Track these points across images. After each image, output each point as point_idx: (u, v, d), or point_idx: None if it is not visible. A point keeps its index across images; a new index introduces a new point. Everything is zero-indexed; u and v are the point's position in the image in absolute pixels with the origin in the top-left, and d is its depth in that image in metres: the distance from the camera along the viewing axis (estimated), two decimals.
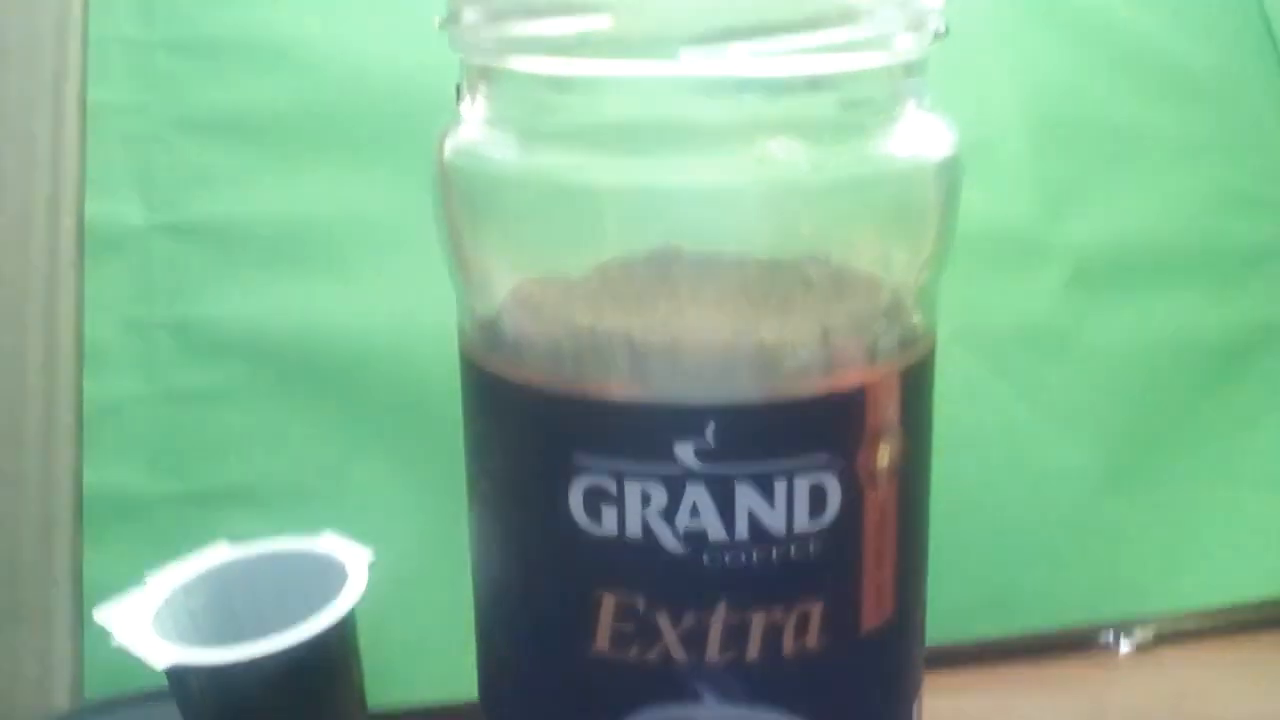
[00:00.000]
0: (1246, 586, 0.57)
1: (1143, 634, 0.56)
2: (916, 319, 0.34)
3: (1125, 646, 0.56)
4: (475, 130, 0.34)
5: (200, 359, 0.53)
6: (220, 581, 0.44)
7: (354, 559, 0.44)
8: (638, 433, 0.31)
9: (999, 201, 0.55)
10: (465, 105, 0.34)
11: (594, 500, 0.32)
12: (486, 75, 0.33)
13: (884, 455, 0.33)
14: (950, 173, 0.34)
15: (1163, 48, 0.58)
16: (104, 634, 0.41)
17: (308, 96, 0.54)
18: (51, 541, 0.51)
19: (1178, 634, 0.57)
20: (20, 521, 0.51)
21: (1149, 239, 0.57)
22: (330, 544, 0.45)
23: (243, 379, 0.53)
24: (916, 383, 0.34)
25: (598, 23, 0.30)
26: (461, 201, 0.34)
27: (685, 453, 0.31)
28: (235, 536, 0.46)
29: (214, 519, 0.52)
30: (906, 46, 0.32)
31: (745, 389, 0.32)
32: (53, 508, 0.52)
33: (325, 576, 0.44)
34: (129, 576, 0.43)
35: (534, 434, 0.33)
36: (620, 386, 0.32)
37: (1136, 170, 0.57)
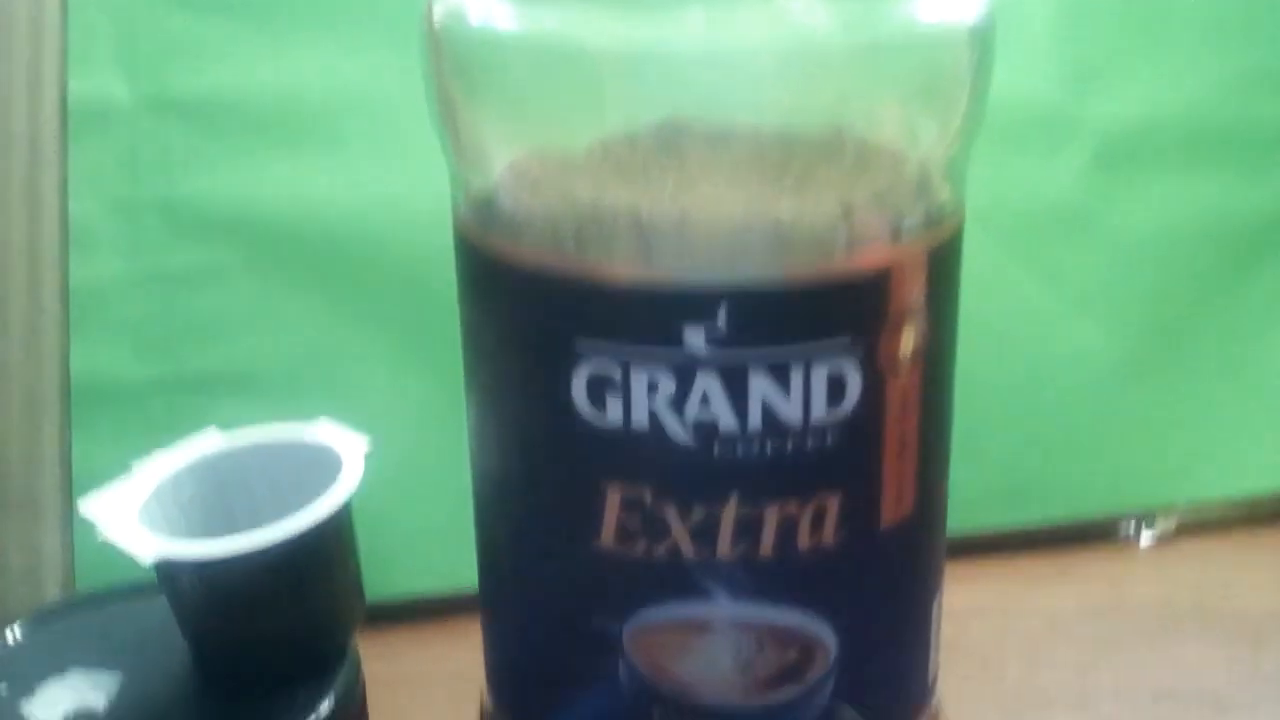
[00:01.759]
0: (1269, 477, 0.57)
1: (1164, 524, 0.56)
2: (944, 196, 0.33)
3: (1146, 537, 0.56)
4: None
5: (189, 239, 0.51)
6: (211, 471, 0.43)
7: (350, 447, 0.42)
8: (644, 316, 0.30)
9: (1021, 77, 0.54)
10: None
11: (598, 388, 0.31)
12: None
13: (908, 341, 0.32)
14: (982, 39, 0.33)
15: None
16: (94, 524, 0.40)
17: None
18: (39, 429, 0.50)
19: (1199, 524, 0.56)
20: (6, 409, 0.50)
21: (1176, 118, 0.55)
22: (325, 432, 0.44)
23: (233, 259, 0.51)
24: (943, 264, 0.33)
25: None
26: (453, 68, 0.33)
27: (695, 338, 0.30)
28: (226, 423, 0.44)
29: (205, 404, 0.51)
30: None
31: (760, 270, 0.30)
32: (39, 394, 0.51)
33: (320, 465, 0.42)
34: (118, 463, 0.42)
35: (534, 318, 0.32)
36: (625, 267, 0.30)
37: (1164, 48, 0.55)
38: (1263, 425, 0.57)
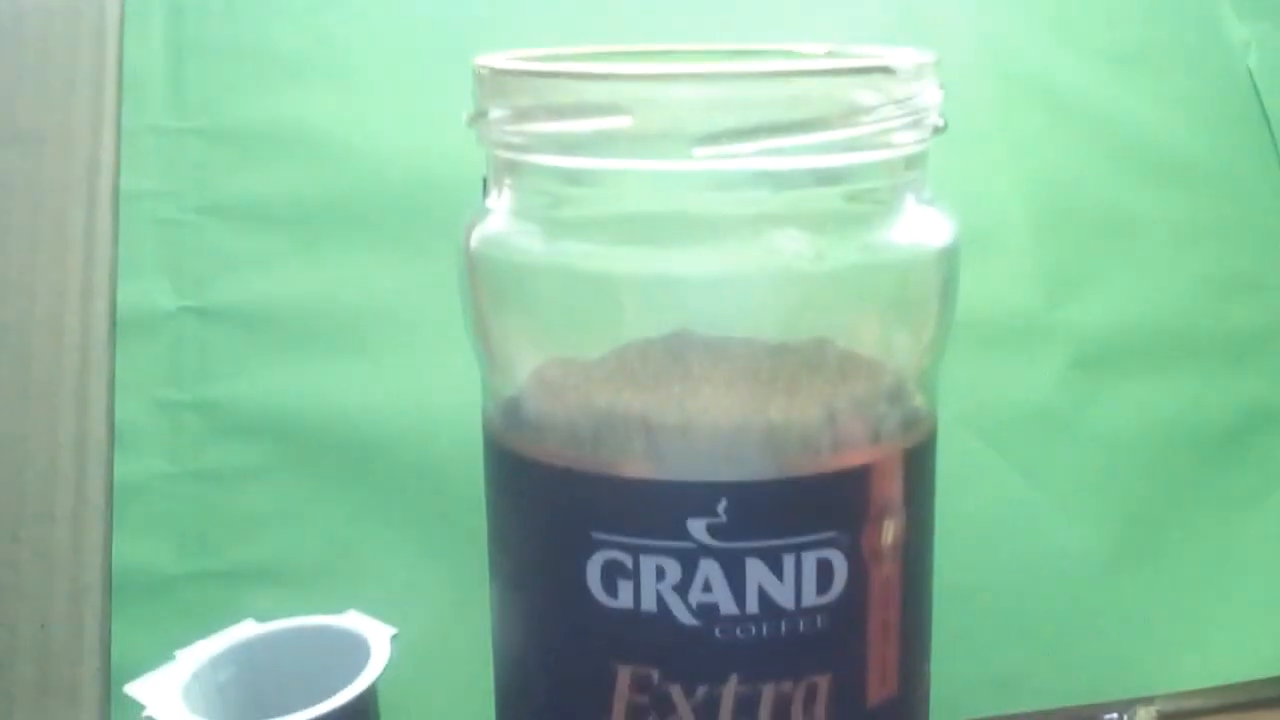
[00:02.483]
0: (1249, 666, 0.57)
1: (1146, 714, 0.56)
2: (918, 401, 0.36)
3: None
4: (501, 221, 0.36)
5: (227, 439, 0.54)
6: (247, 656, 0.45)
7: (377, 635, 0.45)
8: (653, 510, 0.33)
9: (1002, 287, 0.57)
10: (492, 197, 0.36)
11: (611, 574, 0.33)
12: (511, 169, 0.35)
13: (888, 533, 0.34)
14: (949, 261, 0.36)
15: (1161, 137, 0.59)
16: (132, 709, 0.42)
17: (333, 184, 0.55)
18: (81, 617, 0.52)
19: (1182, 713, 0.57)
20: (50, 597, 0.52)
21: (1149, 323, 0.58)
22: (354, 620, 0.46)
23: (269, 459, 0.54)
24: (919, 463, 0.35)
25: (616, 122, 0.32)
26: (487, 288, 0.36)
27: (698, 529, 0.33)
28: (260, 614, 0.46)
29: (240, 596, 0.52)
30: (906, 142, 0.34)
31: (755, 468, 0.33)
32: (82, 584, 0.52)
33: (349, 652, 0.44)
34: (156, 652, 0.44)
35: (554, 511, 0.34)
36: (636, 465, 0.33)
37: (1135, 255, 0.58)
38: (1239, 616, 0.57)
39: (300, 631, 0.46)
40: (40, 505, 0.53)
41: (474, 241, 0.36)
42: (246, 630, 0.46)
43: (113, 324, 0.54)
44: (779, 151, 0.32)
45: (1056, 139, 0.58)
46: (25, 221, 0.55)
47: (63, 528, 0.52)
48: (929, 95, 0.34)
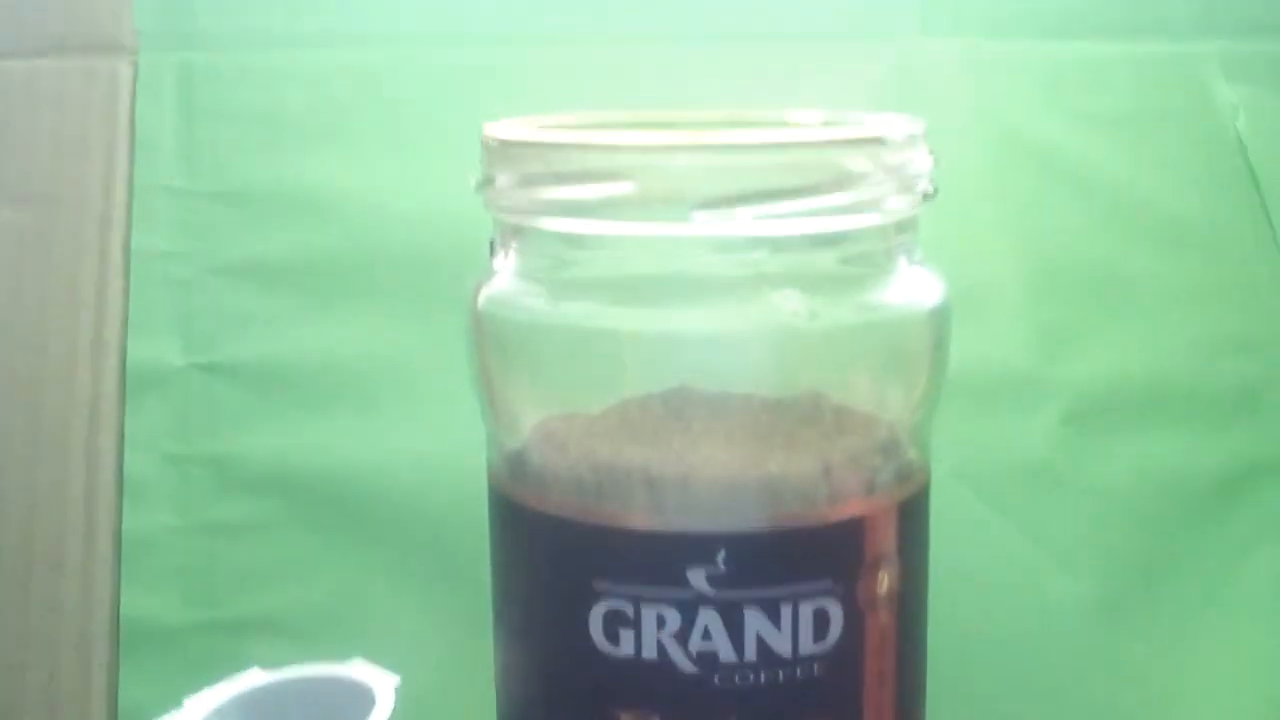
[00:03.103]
0: (1244, 717, 0.58)
1: None
2: (912, 454, 0.37)
3: None
4: (507, 281, 0.37)
5: (234, 494, 0.55)
6: (253, 705, 0.46)
7: (382, 684, 0.45)
8: (654, 560, 0.34)
9: (995, 344, 0.57)
10: (498, 259, 0.37)
11: (613, 623, 0.34)
12: (517, 233, 0.36)
13: (883, 582, 0.35)
14: (940, 319, 0.37)
15: (1149, 197, 0.60)
16: None
17: (341, 245, 0.56)
18: (89, 667, 0.53)
19: None
20: (58, 647, 0.53)
21: (1141, 379, 0.59)
22: (359, 670, 0.46)
23: (275, 513, 0.55)
24: (913, 514, 0.36)
25: (618, 188, 0.33)
26: (493, 346, 0.37)
27: (698, 578, 0.33)
28: (266, 664, 0.47)
29: (246, 647, 0.53)
30: (898, 207, 0.35)
31: (753, 519, 0.34)
32: (90, 634, 0.53)
33: (354, 701, 0.45)
34: (162, 702, 0.45)
35: (557, 561, 0.35)
36: (637, 517, 0.34)
37: (1127, 314, 0.59)
38: (1235, 669, 0.58)
39: (306, 680, 0.47)
40: (50, 556, 0.53)
41: (481, 301, 0.37)
42: (253, 679, 0.46)
43: (123, 379, 0.55)
44: (775, 216, 0.33)
45: (1048, 200, 0.59)
46: (38, 278, 0.56)
47: (71, 579, 0.53)
48: (919, 162, 0.35)
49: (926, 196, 0.36)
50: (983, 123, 0.58)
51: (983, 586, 0.56)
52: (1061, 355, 0.58)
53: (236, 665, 0.47)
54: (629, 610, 0.34)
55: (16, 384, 0.55)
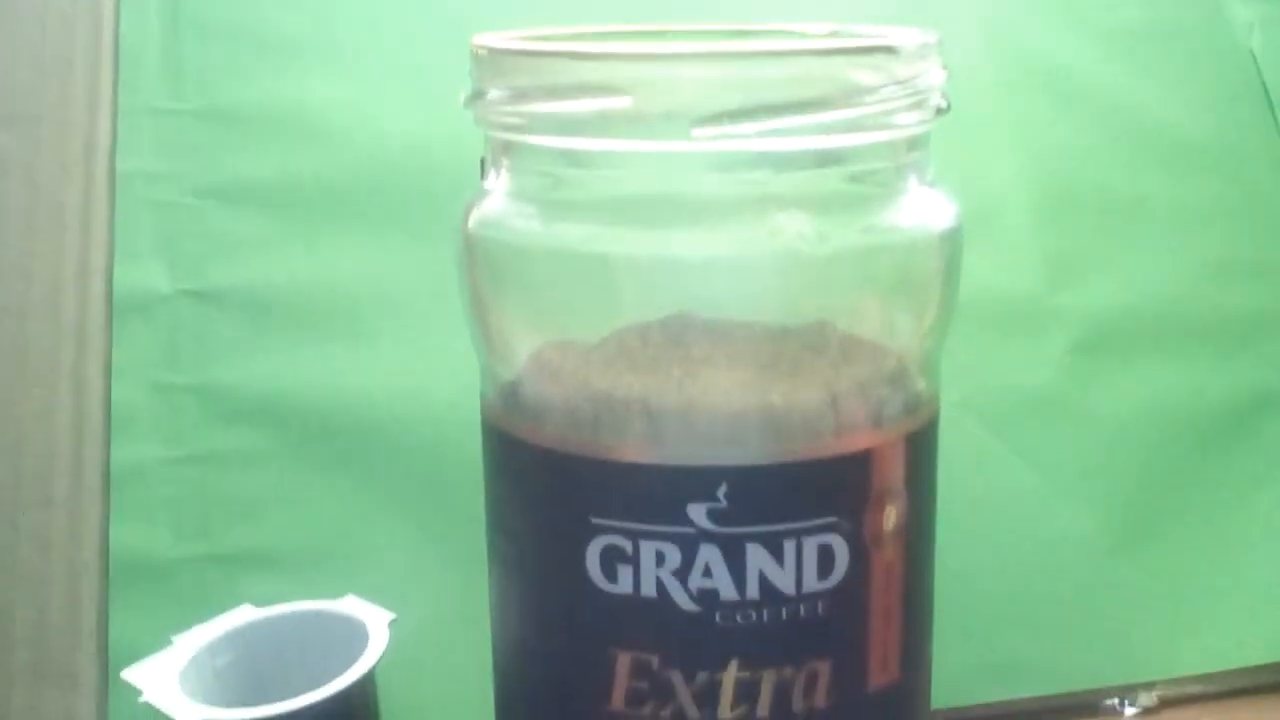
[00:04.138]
0: (1250, 651, 0.57)
1: (1147, 699, 0.56)
2: (921, 385, 0.36)
3: (1130, 711, 0.56)
4: (498, 202, 0.35)
5: (224, 423, 0.54)
6: (245, 642, 0.45)
7: (375, 620, 0.45)
8: (652, 494, 0.33)
9: (1002, 270, 0.56)
10: (489, 179, 0.36)
11: (610, 560, 0.33)
12: (509, 150, 0.35)
13: (889, 518, 0.34)
14: (952, 243, 0.36)
15: (1162, 118, 0.59)
16: (129, 694, 0.42)
17: (332, 166, 0.55)
18: (78, 602, 0.52)
19: (1182, 698, 0.57)
20: (48, 582, 0.52)
21: (1151, 306, 0.58)
22: (352, 605, 0.46)
23: (266, 443, 0.54)
24: (921, 447, 0.35)
25: (615, 103, 0.31)
26: (485, 270, 0.36)
27: (698, 513, 0.32)
28: (259, 599, 0.47)
29: (238, 581, 0.52)
30: (909, 123, 0.34)
31: (756, 452, 0.33)
32: (79, 568, 0.52)
33: (347, 637, 0.44)
34: (154, 638, 0.44)
35: (552, 495, 0.34)
36: (635, 449, 0.33)
37: (1138, 238, 0.58)
38: (1241, 601, 0.57)
39: (298, 617, 0.46)
40: (37, 490, 0.53)
41: (472, 223, 0.36)
42: (244, 615, 0.46)
43: (109, 307, 0.54)
44: (780, 132, 0.32)
45: (1058, 121, 0.58)
46: (21, 203, 0.55)
47: (60, 512, 0.53)
48: (932, 76, 0.34)
49: (939, 112, 0.34)
50: (992, 39, 0.57)
51: (988, 518, 0.55)
52: (1070, 281, 0.58)
53: (228, 600, 0.47)
54: (627, 546, 0.33)
55: (1, 310, 0.54)
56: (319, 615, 0.46)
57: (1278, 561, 0.58)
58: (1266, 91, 0.60)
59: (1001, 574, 0.56)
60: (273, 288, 0.55)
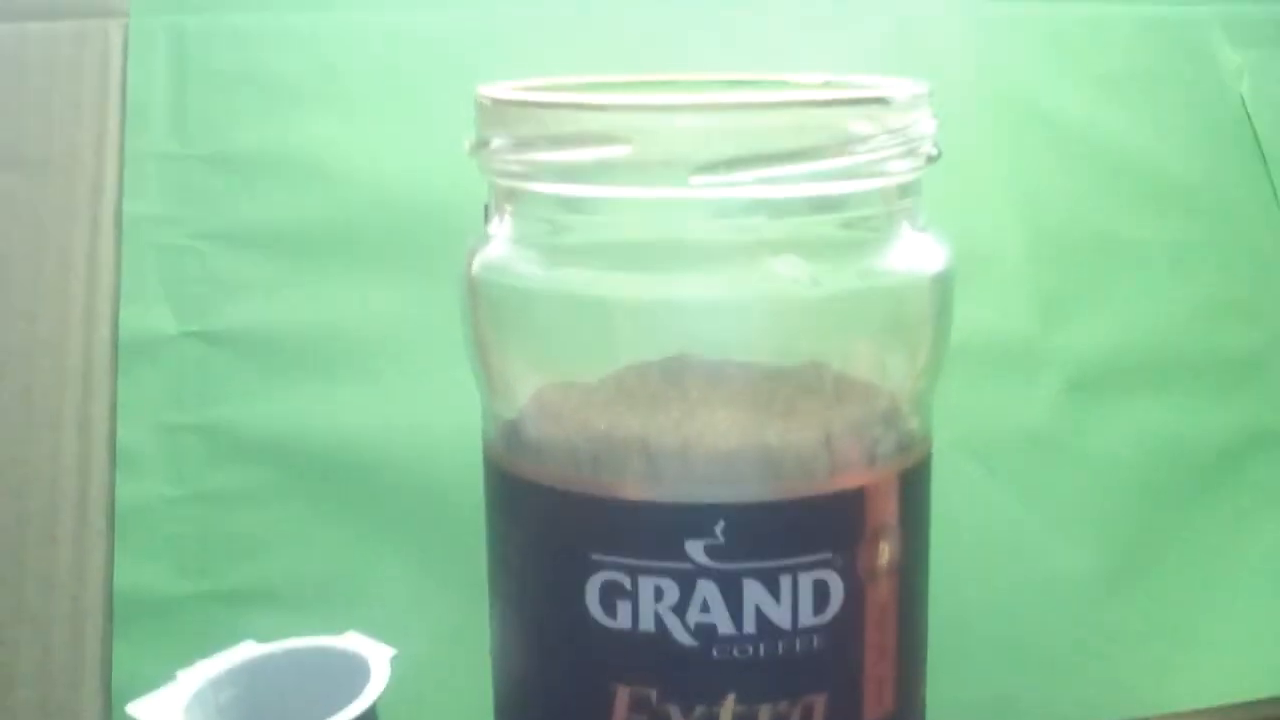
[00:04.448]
0: (1244, 686, 0.57)
1: None
2: (914, 424, 0.36)
3: None
4: (502, 247, 0.36)
5: (229, 462, 0.54)
6: (248, 677, 0.45)
7: (377, 656, 0.45)
8: (651, 531, 0.33)
9: (997, 313, 0.57)
10: (493, 224, 0.36)
11: (610, 595, 0.34)
12: (512, 196, 0.36)
13: (884, 554, 0.35)
14: (943, 286, 0.36)
15: (1154, 162, 0.60)
16: None
17: (336, 210, 0.56)
18: (82, 639, 0.52)
19: None
20: (50, 620, 0.52)
21: (1143, 347, 0.59)
22: (354, 641, 0.46)
23: (270, 482, 0.54)
24: (914, 485, 0.36)
25: (615, 151, 0.32)
26: (488, 312, 0.36)
27: (696, 550, 0.33)
28: (261, 635, 0.47)
29: (240, 618, 0.53)
30: (901, 171, 0.34)
31: (752, 489, 0.33)
32: (83, 606, 0.53)
33: (349, 673, 0.44)
34: (156, 674, 0.44)
35: (553, 532, 0.34)
36: (635, 488, 0.33)
37: (1130, 280, 0.59)
38: (1235, 637, 0.58)
39: (300, 652, 0.46)
40: (42, 528, 0.53)
41: (475, 267, 0.36)
42: (247, 651, 0.46)
43: (115, 348, 0.55)
44: (776, 180, 0.32)
45: (1051, 163, 0.59)
46: (28, 246, 0.55)
47: (65, 550, 0.53)
48: (923, 125, 0.35)
49: (930, 159, 0.35)
50: (985, 84, 0.58)
51: (983, 556, 0.56)
52: (1064, 322, 0.58)
53: (231, 637, 0.47)
54: (626, 582, 0.33)
55: (7, 354, 0.54)
56: (321, 651, 0.46)
57: (1272, 597, 0.58)
58: (1256, 135, 0.60)
59: (996, 610, 0.56)
60: (278, 328, 0.55)
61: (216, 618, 0.53)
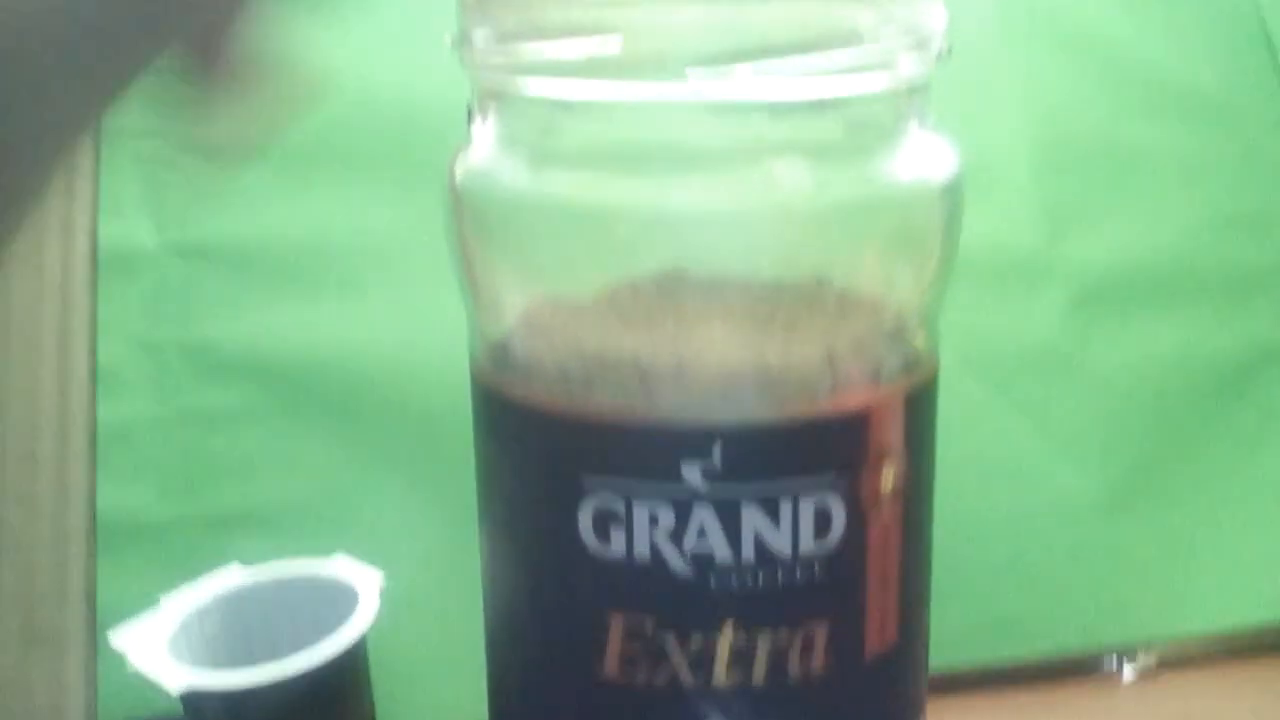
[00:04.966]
0: (1249, 610, 0.57)
1: (1146, 659, 0.56)
2: (919, 342, 0.35)
3: (1129, 672, 0.56)
4: (486, 152, 0.34)
5: (212, 381, 0.53)
6: (234, 605, 0.45)
7: (365, 582, 0.44)
8: (646, 454, 0.32)
9: (1002, 224, 0.56)
10: (476, 126, 0.35)
11: (603, 521, 0.32)
12: (497, 96, 0.34)
13: (888, 478, 0.33)
14: (953, 195, 0.35)
15: (1166, 69, 0.58)
16: (119, 657, 0.41)
17: (319, 118, 0.54)
18: (66, 564, 0.52)
19: (1181, 659, 0.57)
20: (35, 544, 0.52)
21: (1152, 260, 0.58)
22: (342, 567, 0.45)
23: (254, 400, 0.53)
24: (920, 406, 0.34)
25: (606, 45, 0.31)
26: (473, 223, 0.35)
27: (692, 474, 0.32)
28: (247, 559, 0.46)
29: (226, 541, 0.52)
30: (910, 68, 0.33)
31: (751, 410, 0.32)
32: (67, 529, 0.52)
33: (337, 599, 0.44)
34: (143, 598, 0.44)
35: (543, 456, 0.33)
36: (628, 408, 0.32)
37: (1139, 191, 0.57)
38: (1241, 560, 0.57)
39: (287, 579, 0.46)
40: (22, 449, 0.52)
41: (459, 175, 0.35)
42: (232, 578, 0.45)
43: (94, 263, 0.53)
44: (776, 76, 0.31)
45: (1059, 70, 0.57)
46: None
47: (46, 472, 0.52)
48: (933, 18, 0.33)
49: (940, 57, 0.33)
50: None
51: (987, 476, 0.55)
52: (1070, 235, 0.57)
53: (217, 560, 0.46)
54: (619, 508, 0.32)
55: None
56: (308, 576, 0.46)
57: (1278, 521, 0.57)
58: (1270, 43, 0.59)
59: (999, 533, 0.55)
60: (260, 242, 0.54)
61: (202, 540, 0.52)
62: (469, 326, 0.36)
